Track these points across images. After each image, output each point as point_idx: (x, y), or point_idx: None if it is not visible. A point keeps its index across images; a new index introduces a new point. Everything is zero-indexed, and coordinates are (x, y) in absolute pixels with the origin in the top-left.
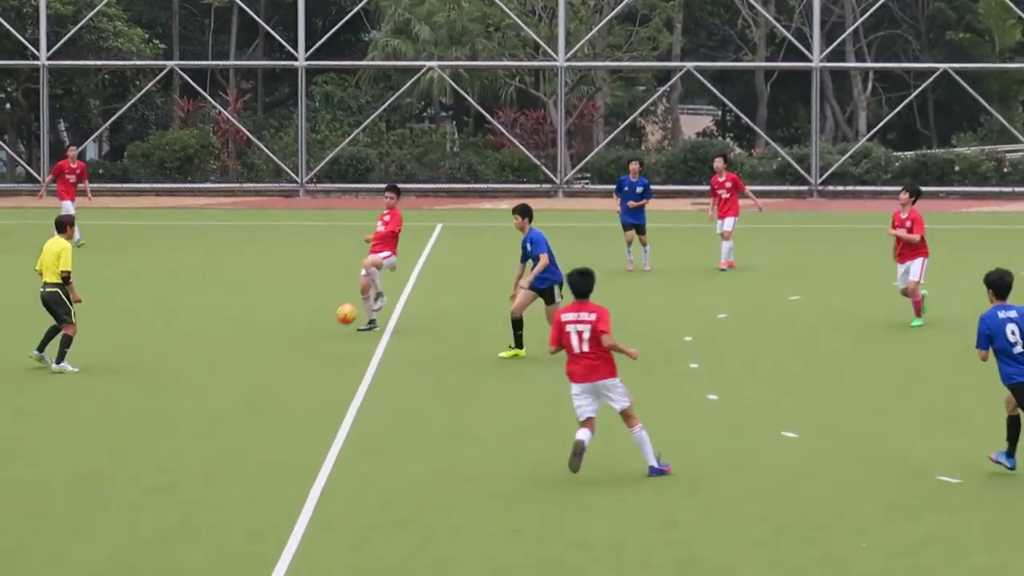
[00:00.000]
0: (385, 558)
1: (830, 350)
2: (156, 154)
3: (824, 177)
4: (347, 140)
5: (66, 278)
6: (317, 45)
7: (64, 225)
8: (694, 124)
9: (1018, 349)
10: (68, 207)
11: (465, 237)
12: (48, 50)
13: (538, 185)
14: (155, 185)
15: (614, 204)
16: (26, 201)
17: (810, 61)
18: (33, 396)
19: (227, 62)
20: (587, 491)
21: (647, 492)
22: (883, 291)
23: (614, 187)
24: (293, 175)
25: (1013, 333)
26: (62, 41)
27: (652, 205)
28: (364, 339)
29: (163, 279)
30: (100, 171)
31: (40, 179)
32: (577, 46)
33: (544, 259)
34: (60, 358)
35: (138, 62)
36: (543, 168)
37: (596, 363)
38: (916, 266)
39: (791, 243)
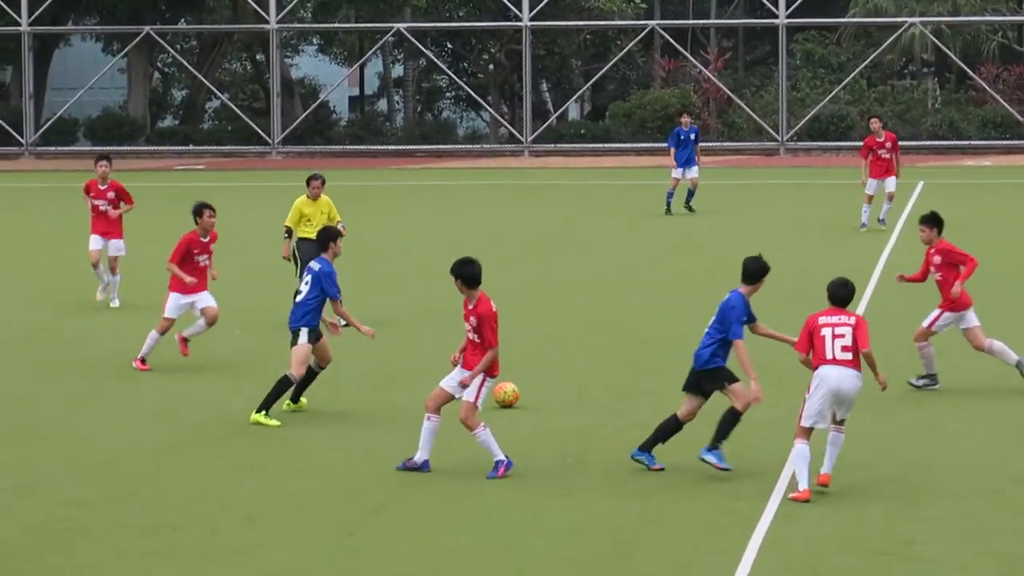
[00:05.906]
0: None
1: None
2: (637, 114)
3: None
4: (828, 98)
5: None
6: (798, 3)
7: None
8: None
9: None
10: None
11: (948, 194)
12: (530, 11)
13: (1022, 142)
14: (636, 145)
15: None
16: (508, 161)
17: None
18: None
19: (708, 21)
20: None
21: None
22: None
23: None
24: (773, 133)
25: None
26: (544, 2)
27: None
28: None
29: (651, 240)
30: (582, 131)
31: (522, 139)
32: None
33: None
34: None
35: (619, 22)
36: None
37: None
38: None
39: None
